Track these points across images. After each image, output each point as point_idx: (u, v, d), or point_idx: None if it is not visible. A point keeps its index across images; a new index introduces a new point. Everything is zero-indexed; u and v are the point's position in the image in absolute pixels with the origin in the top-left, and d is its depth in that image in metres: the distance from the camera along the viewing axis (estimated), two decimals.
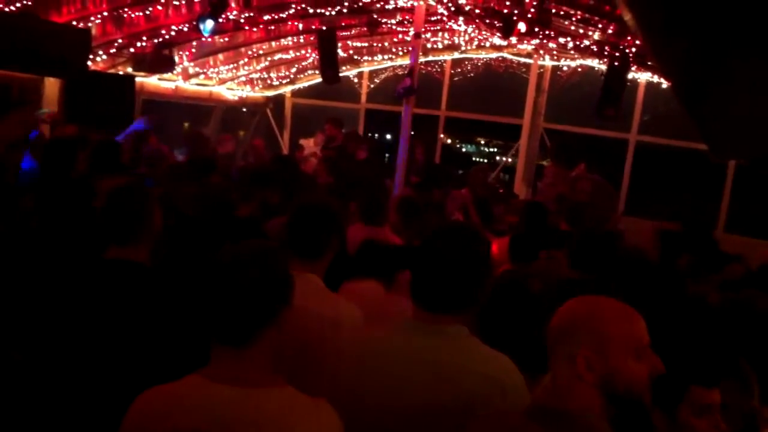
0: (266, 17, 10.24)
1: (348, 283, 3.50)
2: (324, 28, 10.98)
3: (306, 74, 14.16)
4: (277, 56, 12.92)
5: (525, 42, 11.11)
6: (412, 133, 10.72)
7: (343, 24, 11.40)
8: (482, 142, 12.70)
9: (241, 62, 12.67)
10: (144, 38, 9.56)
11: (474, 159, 13.84)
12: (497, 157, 13.34)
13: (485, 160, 13.76)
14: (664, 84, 10.30)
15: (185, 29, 9.52)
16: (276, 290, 1.89)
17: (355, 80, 14.29)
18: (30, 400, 2.34)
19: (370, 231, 4.58)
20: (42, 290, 2.58)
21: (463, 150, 14.44)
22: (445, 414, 2.09)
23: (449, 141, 16.45)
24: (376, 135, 13.25)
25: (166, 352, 2.26)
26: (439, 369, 2.13)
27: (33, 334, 2.44)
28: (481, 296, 2.30)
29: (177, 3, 9.05)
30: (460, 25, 11.15)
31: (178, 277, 2.53)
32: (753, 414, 2.49)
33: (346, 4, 9.81)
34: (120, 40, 9.53)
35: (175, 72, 10.97)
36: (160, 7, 9.09)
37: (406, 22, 11.10)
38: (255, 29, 11.02)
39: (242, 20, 10.09)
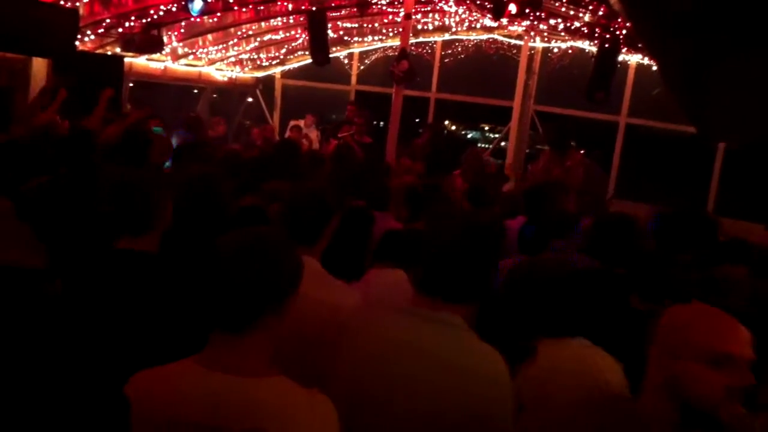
0: None
1: (374, 270, 3.46)
2: (314, 8, 10.91)
3: (296, 55, 14.08)
4: (266, 37, 12.85)
5: (516, 23, 11.09)
6: (417, 120, 10.72)
7: (333, 4, 11.33)
8: (486, 128, 12.73)
9: (231, 43, 12.58)
10: (132, 18, 9.48)
11: (480, 145, 13.83)
12: (502, 143, 13.35)
13: (490, 146, 13.78)
14: (655, 66, 10.30)
15: (174, 9, 9.44)
16: (276, 276, 1.86)
17: (346, 61, 14.22)
18: (38, 394, 2.34)
19: (378, 217, 4.55)
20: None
21: (469, 136, 14.40)
22: (440, 412, 2.07)
23: (453, 127, 16.44)
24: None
25: (178, 341, 2.25)
26: (437, 363, 2.10)
27: (47, 325, 2.44)
28: (485, 288, 2.25)
29: None
30: (450, 6, 11.11)
31: (185, 265, 2.54)
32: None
33: None
34: (108, 20, 9.44)
35: (163, 52, 10.90)
36: None
37: (396, 3, 11.04)
38: (244, 9, 10.94)
39: (231, 0, 10.01)
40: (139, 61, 11.05)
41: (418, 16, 11.98)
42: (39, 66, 9.01)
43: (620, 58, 10.43)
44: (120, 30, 9.72)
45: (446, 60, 13.26)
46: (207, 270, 1.85)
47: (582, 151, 8.17)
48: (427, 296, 2.19)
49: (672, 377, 1.78)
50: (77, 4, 8.53)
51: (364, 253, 3.57)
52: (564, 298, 2.60)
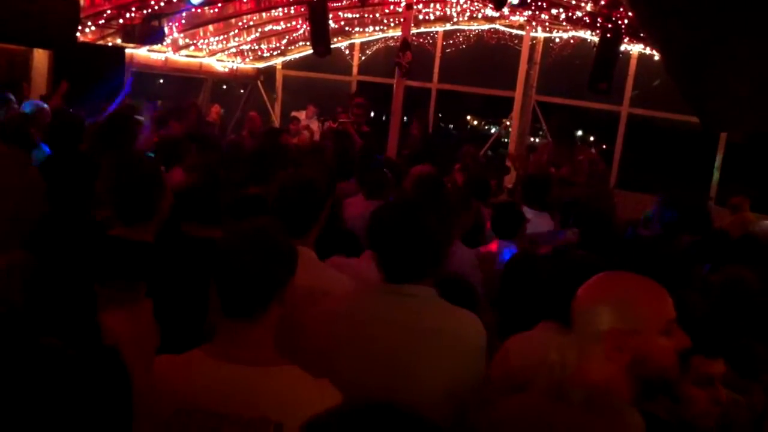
0: None
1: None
2: None
3: (297, 46, 14.04)
4: (267, 27, 12.81)
5: (517, 13, 11.06)
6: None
7: None
8: (508, 123, 12.81)
9: (232, 33, 12.55)
10: (133, 9, 9.45)
11: (502, 140, 13.85)
12: (532, 138, 13.34)
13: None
14: (657, 56, 10.28)
15: (174, 0, 9.42)
16: (282, 262, 1.92)
17: (347, 52, 14.18)
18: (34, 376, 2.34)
19: (371, 206, 4.55)
20: (47, 264, 2.58)
21: (492, 131, 14.42)
22: (415, 374, 2.14)
23: (475, 122, 16.45)
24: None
25: (169, 331, 2.27)
26: (409, 330, 2.16)
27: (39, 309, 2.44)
28: (439, 264, 2.30)
29: None
30: None
31: (181, 254, 2.54)
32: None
33: None
34: (108, 11, 9.42)
35: (164, 44, 10.88)
36: None
37: None
38: (245, 0, 10.91)
39: None
40: (140, 53, 11.03)
41: (420, 6, 11.93)
42: (40, 57, 9.00)
43: (622, 47, 10.40)
44: (120, 21, 9.69)
45: (448, 50, 13.21)
46: (218, 259, 1.88)
47: (593, 150, 8.16)
48: (387, 281, 2.26)
49: (638, 355, 1.74)
50: None
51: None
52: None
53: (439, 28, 13.14)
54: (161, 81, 12.50)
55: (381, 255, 2.28)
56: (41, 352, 1.76)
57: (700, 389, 2.17)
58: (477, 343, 2.22)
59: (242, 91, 14.86)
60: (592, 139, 14.10)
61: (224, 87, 14.80)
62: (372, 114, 13.08)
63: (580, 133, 13.68)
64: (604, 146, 12.43)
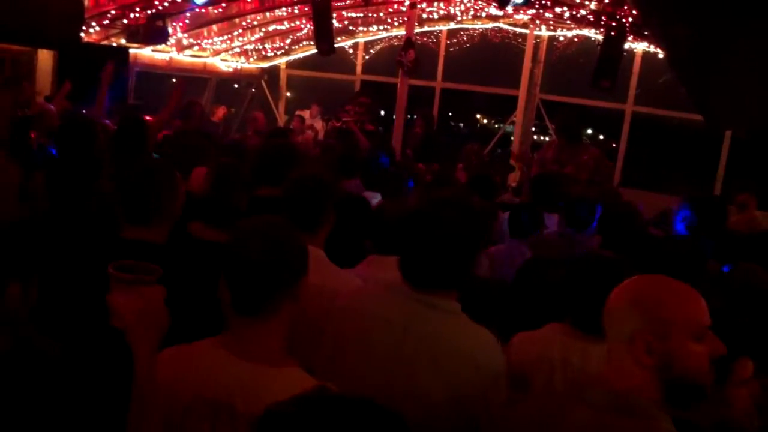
0: None
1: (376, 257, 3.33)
2: None
3: (301, 45, 14.05)
4: (271, 27, 12.82)
5: (521, 12, 11.05)
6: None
7: None
8: (514, 119, 12.84)
9: (236, 33, 12.58)
10: (137, 9, 9.47)
11: (510, 138, 13.84)
12: (540, 137, 13.29)
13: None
14: (661, 54, 10.25)
15: (178, 0, 9.44)
16: (289, 258, 1.89)
17: (351, 51, 14.18)
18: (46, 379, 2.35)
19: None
20: (56, 269, 2.58)
21: (506, 130, 14.47)
22: (420, 391, 2.08)
23: (485, 121, 16.42)
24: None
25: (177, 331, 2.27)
26: (427, 344, 2.10)
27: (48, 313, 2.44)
28: (469, 273, 2.24)
29: None
30: None
31: (192, 256, 2.53)
32: None
33: None
34: (113, 12, 9.44)
35: (168, 44, 10.90)
36: None
37: None
38: (249, 0, 10.93)
39: None
40: (144, 53, 11.05)
41: (423, 5, 11.92)
42: (44, 57, 9.03)
43: (626, 45, 10.37)
44: (125, 21, 9.72)
45: (451, 49, 13.19)
46: (228, 253, 1.87)
47: (597, 148, 8.11)
48: (412, 287, 2.19)
49: (668, 359, 1.72)
50: None
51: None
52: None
53: (443, 27, 13.12)
54: (173, 80, 12.48)
55: (407, 258, 2.19)
56: (35, 357, 1.77)
57: (741, 389, 2.14)
58: (492, 368, 2.12)
59: (253, 90, 14.84)
60: (601, 137, 14.04)
61: (235, 86, 14.79)
62: (382, 113, 13.10)
63: (590, 131, 13.67)
64: (613, 144, 12.38)
